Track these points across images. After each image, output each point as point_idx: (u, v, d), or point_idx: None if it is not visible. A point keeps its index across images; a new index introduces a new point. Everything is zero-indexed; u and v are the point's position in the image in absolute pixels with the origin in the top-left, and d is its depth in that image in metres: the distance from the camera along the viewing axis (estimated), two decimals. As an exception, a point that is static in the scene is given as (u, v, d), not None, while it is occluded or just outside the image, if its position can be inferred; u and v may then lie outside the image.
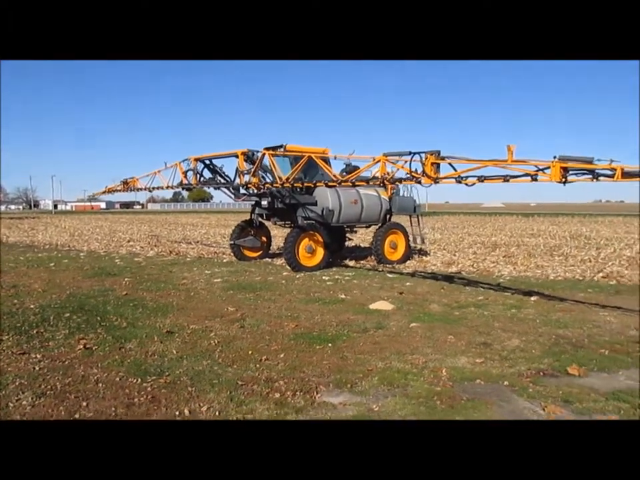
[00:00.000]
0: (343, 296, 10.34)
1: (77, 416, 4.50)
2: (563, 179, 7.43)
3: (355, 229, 16.78)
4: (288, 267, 14.03)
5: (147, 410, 4.66)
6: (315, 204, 14.67)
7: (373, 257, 15.93)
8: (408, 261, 16.04)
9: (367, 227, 17.52)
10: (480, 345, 6.94)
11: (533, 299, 10.19)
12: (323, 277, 12.87)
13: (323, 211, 14.58)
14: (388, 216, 16.26)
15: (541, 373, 5.87)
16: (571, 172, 7.48)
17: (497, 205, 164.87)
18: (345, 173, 16.21)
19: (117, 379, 5.46)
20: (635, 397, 5.13)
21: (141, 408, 4.71)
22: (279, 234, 20.88)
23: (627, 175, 6.94)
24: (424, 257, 17.24)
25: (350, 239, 18.25)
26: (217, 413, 4.62)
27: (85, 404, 4.77)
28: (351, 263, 15.59)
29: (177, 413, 4.62)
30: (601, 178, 7.17)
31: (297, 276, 13.08)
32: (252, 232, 16.21)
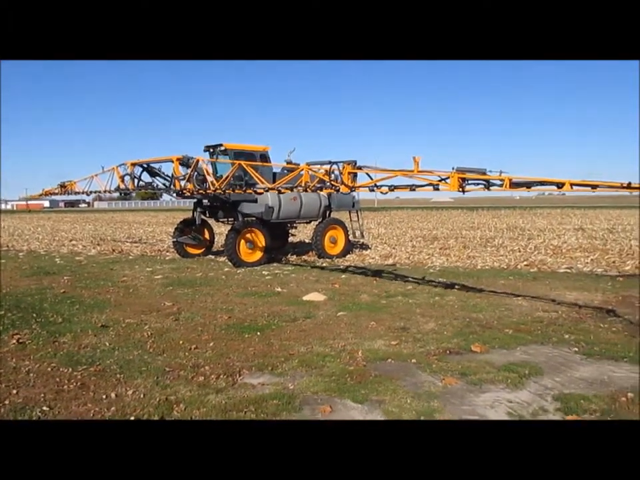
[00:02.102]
0: (279, 289, 10.79)
1: (6, 402, 4.79)
2: (461, 189, 8.20)
3: (294, 225, 17.26)
4: (229, 263, 14.37)
5: (75, 395, 4.99)
6: (255, 201, 15.04)
7: (314, 251, 16.43)
8: (348, 255, 16.63)
9: (307, 223, 18.06)
10: (398, 329, 7.52)
11: (457, 287, 10.93)
12: (263, 272, 13.27)
13: (262, 208, 14.98)
14: (327, 212, 16.81)
15: (448, 352, 6.49)
16: (469, 182, 8.26)
17: (445, 199, 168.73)
18: (285, 171, 16.71)
19: (49, 369, 5.74)
20: (524, 368, 5.80)
21: (69, 394, 5.03)
22: (224, 231, 21.12)
23: (514, 184, 7.84)
24: (364, 251, 17.88)
25: (293, 235, 18.74)
26: (142, 396, 4.99)
27: (15, 392, 5.05)
28: (293, 258, 16.05)
29: (104, 396, 4.97)
30: (493, 188, 8.00)
31: (238, 271, 13.44)
32: (194, 229, 16.44)
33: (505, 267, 13.96)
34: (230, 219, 15.99)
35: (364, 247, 18.93)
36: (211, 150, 15.94)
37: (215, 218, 16.47)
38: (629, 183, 6.64)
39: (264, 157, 15.99)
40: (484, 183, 8.16)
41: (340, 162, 10.13)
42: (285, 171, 16.68)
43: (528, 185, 7.85)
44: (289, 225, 16.93)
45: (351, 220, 17.32)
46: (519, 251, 17.40)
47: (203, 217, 16.55)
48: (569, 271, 13.22)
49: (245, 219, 14.80)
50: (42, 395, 4.97)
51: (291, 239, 18.52)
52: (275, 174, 16.15)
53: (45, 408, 4.69)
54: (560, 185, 7.30)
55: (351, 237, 17.11)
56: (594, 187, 7.10)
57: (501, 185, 7.89)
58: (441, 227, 31.56)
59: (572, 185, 7.19)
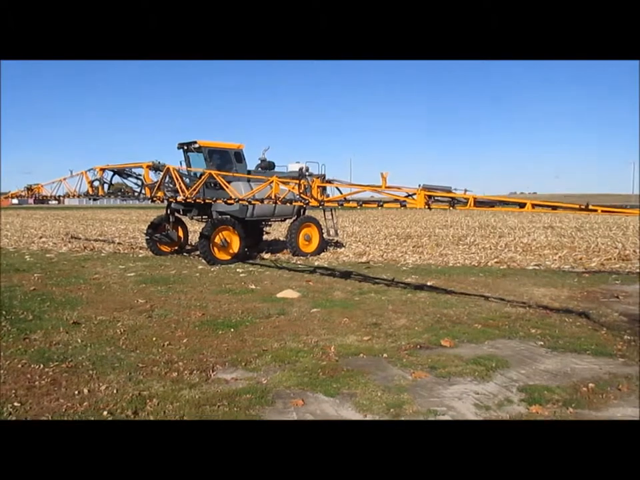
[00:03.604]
0: (253, 286, 10.82)
1: (-24, 399, 4.76)
2: (427, 205, 8.43)
3: (269, 223, 17.29)
4: (203, 261, 14.34)
5: (47, 391, 4.97)
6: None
7: (288, 249, 16.49)
8: (322, 253, 16.73)
9: (282, 221, 18.11)
10: (370, 325, 7.64)
11: (429, 283, 11.12)
12: (237, 270, 13.29)
13: (237, 206, 14.96)
14: (302, 210, 16.88)
15: (418, 346, 6.63)
16: (434, 199, 8.49)
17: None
18: (260, 169, 16.75)
19: (19, 365, 5.69)
20: (491, 361, 5.97)
21: (41, 390, 5.01)
22: (198, 229, 21.01)
23: (478, 203, 8.08)
24: (338, 249, 18.02)
25: (268, 233, 18.77)
26: (115, 391, 5.00)
27: (-16, 389, 5.01)
28: (267, 256, 16.08)
29: (77, 392, 4.96)
30: (457, 206, 8.25)
31: (212, 269, 13.41)
32: (168, 227, 16.34)
33: (476, 264, 14.25)
34: (204, 217, 15.94)
35: (338, 245, 19.07)
36: (185, 147, 15.87)
37: (190, 215, 16.39)
38: (587, 205, 6.90)
39: (238, 155, 15.99)
40: (449, 200, 8.34)
41: (309, 175, 10.37)
42: (260, 169, 16.73)
43: (491, 204, 8.15)
44: (263, 223, 16.95)
45: (325, 218, 17.42)
46: (490, 249, 17.78)
47: (176, 214, 16.48)
48: (537, 267, 13.56)
49: (219, 216, 14.77)
50: (13, 392, 4.94)
51: (265, 236, 18.54)
52: (249, 172, 16.17)
53: (16, 404, 4.66)
54: (522, 205, 7.54)
55: (325, 235, 17.22)
56: (554, 207, 7.35)
57: (465, 203, 8.10)
58: (415, 225, 31.95)
59: (533, 205, 7.43)
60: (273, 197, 11.40)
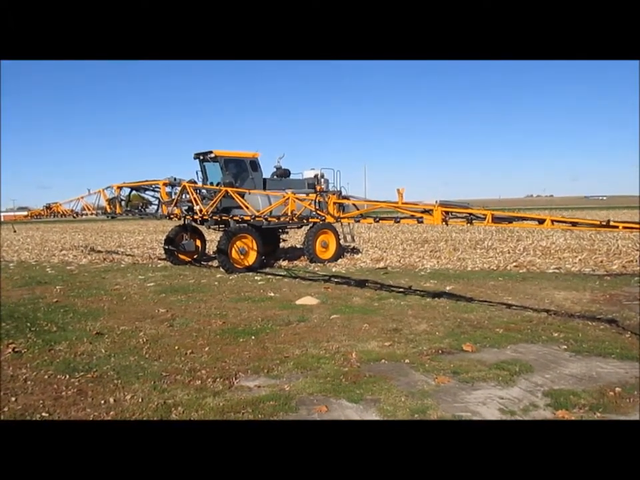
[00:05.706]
0: (272, 294, 10.87)
1: (5, 409, 4.84)
2: (444, 222, 8.41)
3: (286, 230, 17.36)
4: (222, 269, 14.43)
5: (73, 401, 5.04)
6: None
7: (305, 256, 16.53)
8: (339, 259, 16.74)
9: (298, 228, 18.16)
10: (391, 331, 7.62)
11: (448, 288, 11.08)
12: (256, 277, 13.35)
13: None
14: (318, 217, 16.91)
15: (440, 351, 6.60)
16: (451, 215, 8.44)
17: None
18: (275, 176, 16.84)
19: (46, 376, 5.78)
20: (515, 366, 5.92)
21: (68, 400, 5.08)
22: (215, 238, 21.15)
23: (496, 219, 7.99)
24: (355, 255, 18.01)
25: (284, 240, 18.83)
26: (140, 400, 5.06)
27: (13, 399, 5.09)
28: (284, 263, 16.13)
29: (103, 402, 5.03)
30: (475, 222, 8.16)
31: (230, 277, 13.49)
32: (186, 236, 16.46)
33: (495, 268, 14.15)
34: (221, 226, 16.04)
35: (355, 251, 19.06)
36: (201, 157, 16.02)
37: (206, 225, 16.51)
38: (608, 221, 6.79)
39: (254, 164, 16.10)
40: (466, 216, 8.30)
41: (325, 192, 10.41)
42: (275, 177, 16.82)
43: (509, 220, 8.05)
44: (280, 230, 17.02)
45: (341, 224, 17.42)
46: (508, 252, 17.63)
47: (194, 224, 16.61)
48: (557, 271, 13.43)
49: (237, 225, 14.86)
50: (41, 402, 5.02)
51: (282, 244, 18.61)
52: (265, 180, 16.26)
53: (44, 414, 4.74)
54: (541, 221, 7.44)
55: (342, 241, 17.23)
56: (574, 224, 7.26)
57: (483, 220, 8.02)
58: (431, 230, 31.71)
59: (552, 221, 7.35)
60: (289, 214, 11.44)
